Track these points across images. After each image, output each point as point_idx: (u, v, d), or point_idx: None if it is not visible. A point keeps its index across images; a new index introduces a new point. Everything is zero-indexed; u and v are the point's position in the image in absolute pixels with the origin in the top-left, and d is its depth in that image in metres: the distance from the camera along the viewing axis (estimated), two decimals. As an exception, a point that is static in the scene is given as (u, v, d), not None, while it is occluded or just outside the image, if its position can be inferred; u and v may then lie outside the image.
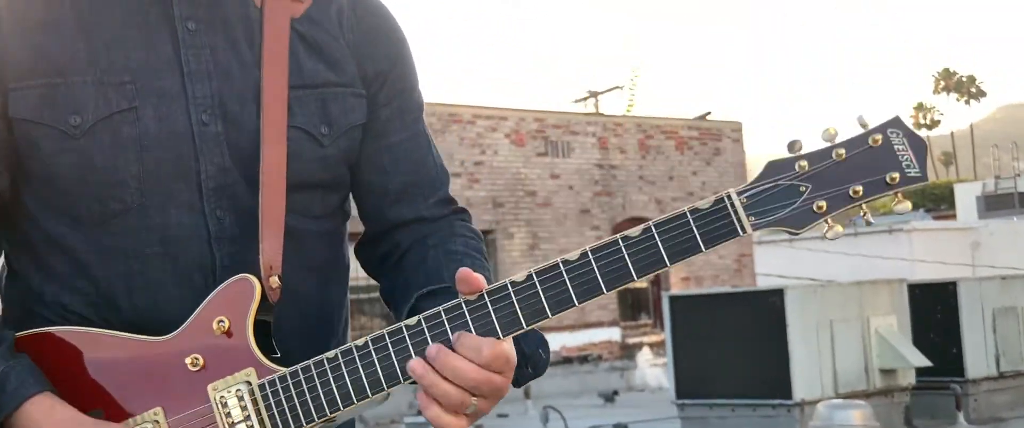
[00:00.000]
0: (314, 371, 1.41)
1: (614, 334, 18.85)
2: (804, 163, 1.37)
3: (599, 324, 18.66)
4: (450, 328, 1.38)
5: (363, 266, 1.73)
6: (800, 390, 9.47)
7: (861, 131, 1.38)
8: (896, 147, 1.37)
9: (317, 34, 1.57)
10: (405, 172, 1.64)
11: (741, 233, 1.37)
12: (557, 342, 17.96)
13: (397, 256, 1.65)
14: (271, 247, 1.49)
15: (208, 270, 1.49)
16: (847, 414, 5.73)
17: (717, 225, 1.36)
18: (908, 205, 1.41)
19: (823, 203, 1.36)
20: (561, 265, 1.39)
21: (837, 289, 10.31)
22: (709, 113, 22.31)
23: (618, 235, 1.38)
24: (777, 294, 9.84)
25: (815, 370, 9.68)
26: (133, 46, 1.49)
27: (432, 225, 1.65)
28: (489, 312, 1.38)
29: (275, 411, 1.42)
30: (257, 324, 1.46)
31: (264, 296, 1.46)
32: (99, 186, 1.47)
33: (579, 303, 1.39)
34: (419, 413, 12.68)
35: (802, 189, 1.37)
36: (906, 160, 1.37)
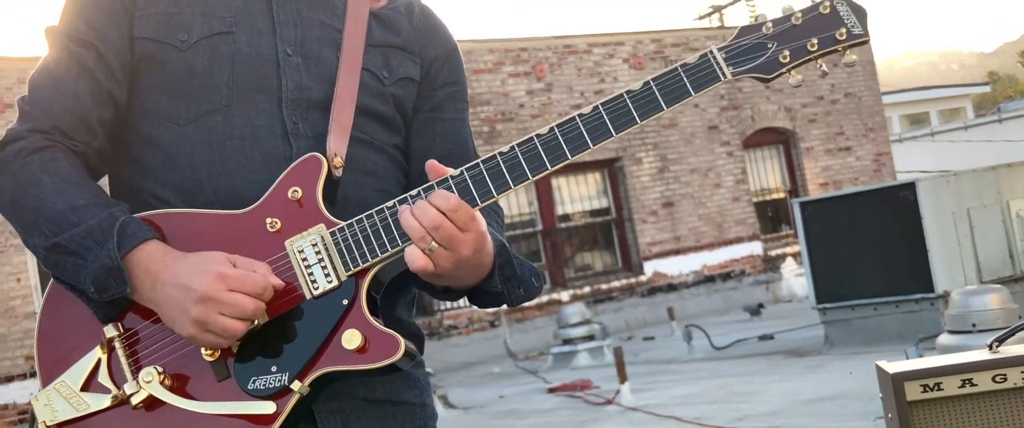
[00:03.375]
0: (376, 218, 1.72)
1: (755, 248, 18.67)
2: (769, 25, 1.75)
3: (739, 240, 18.51)
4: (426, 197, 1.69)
5: None
6: (942, 282, 9.28)
7: (814, 2, 1.75)
8: (841, 13, 1.74)
9: (390, 15, 1.96)
10: (450, 143, 1.99)
11: (721, 78, 1.72)
12: (697, 261, 17.91)
13: None
14: (337, 140, 1.80)
15: (283, 159, 1.79)
16: (983, 299, 5.57)
17: (703, 73, 1.71)
18: (854, 57, 1.76)
19: (787, 53, 1.73)
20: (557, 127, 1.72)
21: (971, 176, 10.00)
22: (832, 13, 21.68)
23: (623, 91, 1.72)
24: (908, 188, 9.62)
25: (956, 260, 9.46)
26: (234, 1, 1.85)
27: None
28: (454, 187, 1.70)
29: (343, 250, 1.71)
30: (325, 200, 1.74)
31: (330, 172, 1.75)
32: (196, 90, 1.80)
33: (572, 155, 1.70)
34: (565, 343, 12.90)
35: (769, 45, 1.74)
36: (851, 22, 1.73)
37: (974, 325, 5.49)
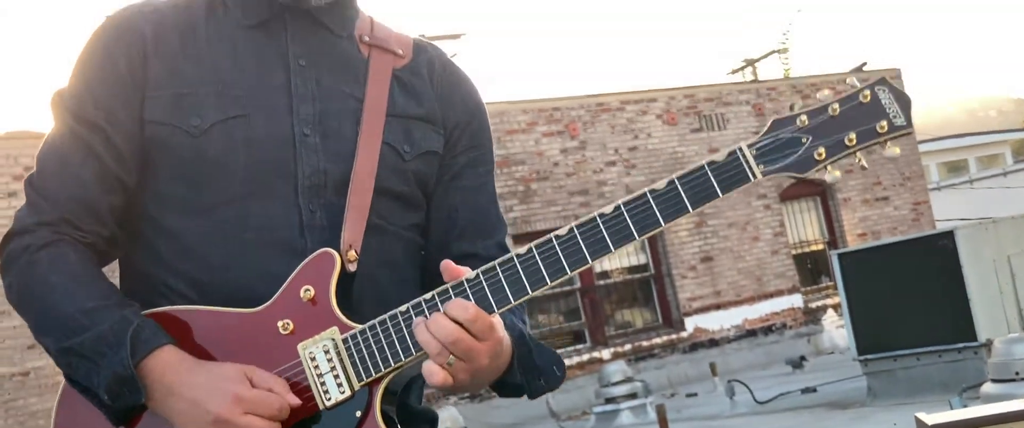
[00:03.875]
0: (390, 324, 1.64)
1: (796, 301, 18.54)
2: (804, 118, 1.60)
3: (779, 293, 18.39)
4: (440, 304, 1.61)
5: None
6: (984, 330, 9.18)
7: (853, 90, 1.60)
8: (883, 102, 1.59)
9: (412, 80, 1.87)
10: (472, 211, 1.90)
11: (752, 178, 1.59)
12: (738, 316, 17.80)
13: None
14: (352, 230, 1.74)
15: (299, 252, 1.72)
16: (1027, 347, 5.54)
17: (731, 172, 1.59)
18: (897, 150, 1.62)
19: (823, 150, 1.59)
20: (599, 217, 1.62)
21: (1011, 223, 9.93)
22: (865, 64, 21.71)
23: (647, 189, 1.60)
24: (947, 236, 9.56)
25: (998, 308, 9.37)
26: (250, 72, 1.77)
27: (483, 263, 1.85)
28: (470, 293, 1.60)
29: (356, 359, 1.65)
30: (340, 298, 1.68)
31: (343, 267, 1.69)
32: (210, 178, 1.72)
33: (593, 260, 1.61)
34: (607, 402, 12.81)
35: (803, 140, 1.59)
36: (893, 112, 1.59)
37: (1017, 373, 5.45)
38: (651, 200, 1.60)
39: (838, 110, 1.59)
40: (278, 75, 1.77)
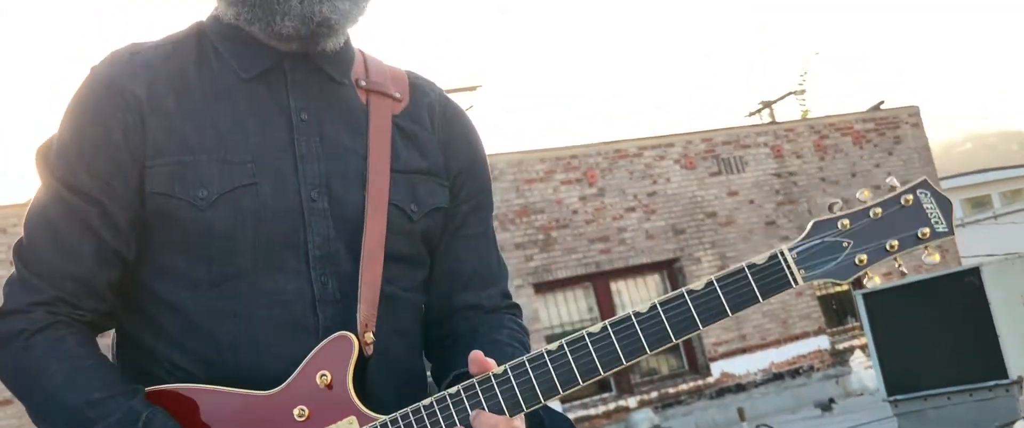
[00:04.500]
0: (412, 419, 1.57)
1: (822, 342, 18.35)
2: (846, 222, 1.60)
3: (805, 335, 18.21)
4: (469, 405, 1.56)
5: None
6: (1015, 367, 9.03)
7: (894, 192, 1.60)
8: (925, 206, 1.59)
9: (413, 128, 1.80)
10: (476, 261, 1.85)
11: (793, 284, 1.58)
12: (765, 360, 17.62)
13: (451, 341, 1.83)
14: (367, 307, 1.66)
15: (312, 330, 1.65)
16: (1058, 383, 5.43)
17: (772, 278, 1.57)
18: (937, 257, 1.63)
19: (864, 256, 1.59)
20: (609, 327, 1.57)
21: (1037, 257, 9.82)
22: (883, 102, 21.65)
23: (684, 289, 1.56)
24: (973, 273, 9.44)
25: (1028, 345, 9.23)
26: (252, 132, 1.69)
27: (488, 316, 1.84)
28: (499, 392, 1.55)
29: None
30: (355, 379, 1.62)
31: (361, 351, 1.62)
32: (218, 252, 1.65)
33: (625, 361, 1.55)
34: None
35: (845, 244, 1.59)
36: (935, 217, 1.59)
37: (1050, 410, 5.33)
38: (689, 302, 1.55)
39: (880, 213, 1.59)
40: (281, 132, 1.70)
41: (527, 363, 1.55)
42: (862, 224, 1.59)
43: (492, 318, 1.85)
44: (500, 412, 1.54)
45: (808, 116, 25.28)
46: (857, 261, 1.58)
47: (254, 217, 1.65)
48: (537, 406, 1.54)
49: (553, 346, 1.55)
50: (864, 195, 1.61)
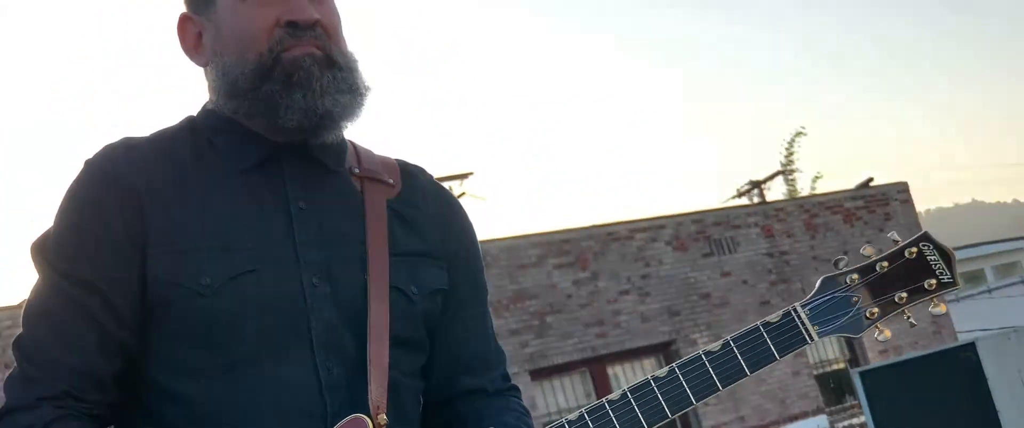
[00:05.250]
0: None
1: (822, 422, 18.21)
2: (854, 276, 1.65)
3: (804, 415, 18.08)
4: None
5: None
6: (1016, 443, 8.98)
7: (898, 246, 1.64)
8: (929, 258, 1.64)
9: (408, 212, 1.83)
10: (476, 344, 1.87)
11: (808, 341, 1.62)
12: (764, 441, 17.48)
13: (458, 426, 1.83)
14: (378, 389, 1.66)
15: (319, 417, 1.64)
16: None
17: (787, 335, 1.61)
18: (943, 308, 1.67)
19: (875, 309, 1.64)
20: (628, 393, 1.60)
21: (1033, 331, 9.81)
22: (871, 179, 21.80)
23: (701, 350, 1.59)
24: (969, 348, 9.41)
25: (1027, 419, 9.17)
26: (252, 221, 1.70)
27: (491, 399, 1.84)
28: None
29: None
30: None
31: None
32: (222, 340, 1.63)
33: None
34: None
35: (854, 299, 1.64)
36: (939, 268, 1.64)
37: (1053, 488, 5.28)
38: (707, 364, 1.58)
39: (887, 267, 1.64)
40: (280, 222, 1.71)
41: None
42: (870, 278, 1.64)
43: (496, 401, 1.85)
44: None
45: (797, 195, 25.41)
46: (868, 314, 1.63)
47: (257, 304, 1.64)
48: None
49: (573, 416, 1.56)
50: (867, 251, 1.65)
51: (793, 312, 1.62)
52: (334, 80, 1.71)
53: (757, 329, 1.61)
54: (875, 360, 18.73)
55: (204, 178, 1.72)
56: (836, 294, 1.62)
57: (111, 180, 1.67)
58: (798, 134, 30.53)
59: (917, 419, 9.71)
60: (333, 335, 1.68)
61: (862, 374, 10.51)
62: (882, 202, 20.36)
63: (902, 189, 20.80)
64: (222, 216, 1.69)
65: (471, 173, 20.05)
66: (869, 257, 1.64)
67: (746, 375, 1.59)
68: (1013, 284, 27.63)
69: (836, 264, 1.67)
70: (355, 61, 1.77)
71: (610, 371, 16.73)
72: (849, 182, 23.07)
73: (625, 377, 16.97)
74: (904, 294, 1.63)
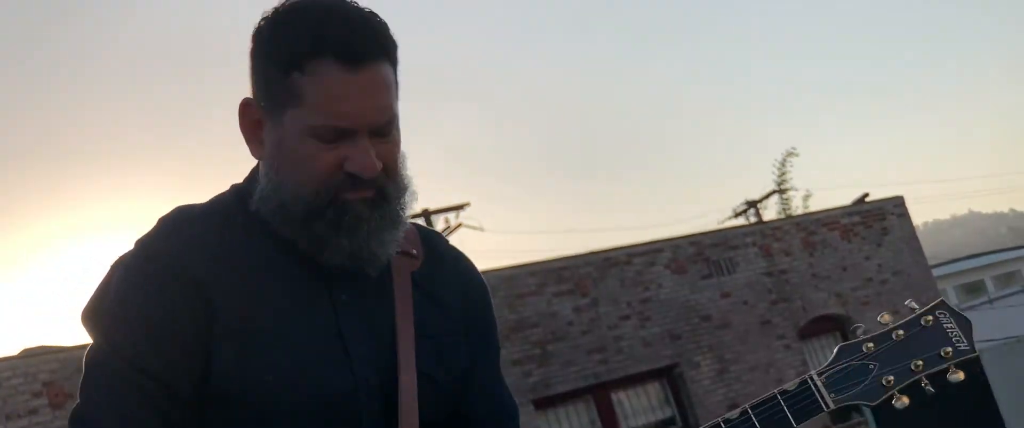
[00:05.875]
0: None
1: (829, 440, 18.14)
2: (870, 345, 1.67)
3: (810, 433, 18.01)
4: None
5: None
6: (1025, 453, 8.96)
7: (914, 313, 1.66)
8: (945, 326, 1.66)
9: (433, 288, 1.82)
10: (489, 403, 1.87)
11: (825, 409, 1.64)
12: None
13: None
14: None
15: None
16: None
17: (804, 403, 1.63)
18: (961, 375, 1.66)
19: (891, 377, 1.65)
20: None
21: (1035, 339, 9.80)
22: (867, 195, 21.86)
23: (719, 419, 1.61)
24: (973, 360, 9.43)
25: (1035, 428, 9.16)
26: (304, 310, 1.70)
27: None
28: None
29: None
30: None
31: None
32: None
33: None
34: None
35: (871, 367, 1.66)
36: (956, 336, 1.66)
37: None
38: None
39: (903, 335, 1.66)
40: (325, 311, 1.70)
41: None
42: (886, 346, 1.65)
43: None
44: None
45: (792, 214, 25.44)
46: (884, 382, 1.65)
47: (319, 400, 1.65)
48: None
49: None
50: (884, 318, 1.66)
51: (810, 380, 1.64)
52: (382, 218, 1.68)
53: (774, 397, 1.62)
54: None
55: (258, 264, 1.70)
56: (852, 362, 1.65)
57: (175, 272, 1.66)
58: (790, 154, 30.62)
59: (924, 432, 9.69)
60: (376, 424, 1.69)
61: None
62: (879, 217, 20.38)
63: (898, 203, 20.83)
64: (281, 310, 1.68)
65: (467, 204, 20.08)
66: (886, 325, 1.66)
67: None
68: (1014, 294, 27.61)
69: (854, 332, 1.69)
70: (408, 182, 1.73)
71: (614, 397, 16.67)
72: (842, 199, 23.10)
73: (629, 403, 16.91)
74: (920, 362, 1.64)
